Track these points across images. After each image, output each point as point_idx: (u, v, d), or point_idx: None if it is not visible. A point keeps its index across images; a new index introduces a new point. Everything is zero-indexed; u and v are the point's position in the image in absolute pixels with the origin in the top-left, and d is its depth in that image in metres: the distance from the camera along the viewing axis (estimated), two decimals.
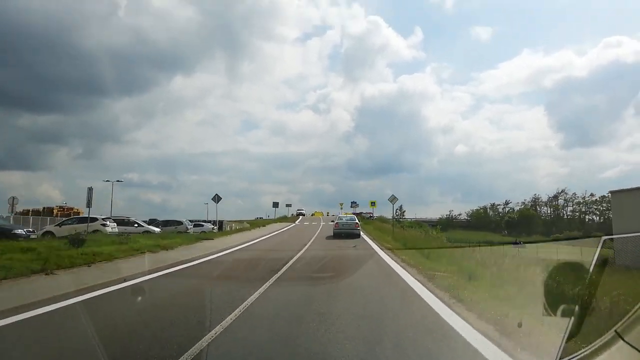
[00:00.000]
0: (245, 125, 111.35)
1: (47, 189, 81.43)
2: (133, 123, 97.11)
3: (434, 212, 70.92)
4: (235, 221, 48.14)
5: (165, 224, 25.92)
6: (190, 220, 29.36)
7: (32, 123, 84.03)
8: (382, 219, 38.72)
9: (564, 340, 2.05)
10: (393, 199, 22.54)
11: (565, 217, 71.45)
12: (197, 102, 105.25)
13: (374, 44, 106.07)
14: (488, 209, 78.95)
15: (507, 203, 77.93)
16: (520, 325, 3.30)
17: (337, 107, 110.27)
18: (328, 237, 19.49)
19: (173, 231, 22.93)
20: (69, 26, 71.84)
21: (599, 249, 2.08)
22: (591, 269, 2.18)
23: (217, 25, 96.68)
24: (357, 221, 21.67)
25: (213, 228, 28.13)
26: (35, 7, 68.51)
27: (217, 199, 23.82)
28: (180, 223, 26.02)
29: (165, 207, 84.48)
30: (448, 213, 78.06)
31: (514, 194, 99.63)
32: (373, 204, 37.42)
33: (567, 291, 2.88)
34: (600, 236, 2.12)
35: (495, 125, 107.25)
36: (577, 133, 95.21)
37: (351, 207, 58.25)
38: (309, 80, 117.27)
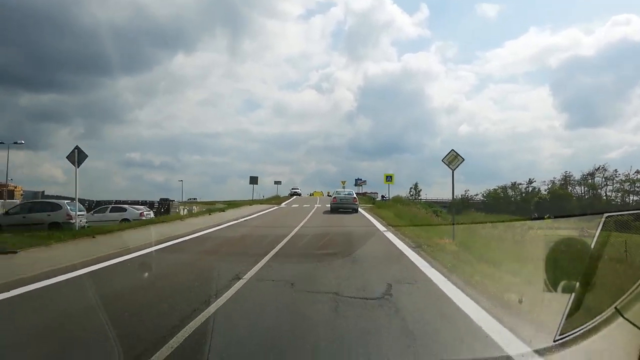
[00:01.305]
0: (247, 105, 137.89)
1: (49, 169, 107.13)
2: (135, 102, 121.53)
3: (435, 193, 77.76)
4: (200, 202, 48.52)
5: (31, 208, 20.70)
6: (81, 204, 22.72)
7: (33, 102, 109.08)
8: (401, 201, 35.85)
9: (565, 316, 2.74)
10: (454, 159, 13.51)
11: (605, 197, 75.69)
12: (199, 81, 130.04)
13: (378, 21, 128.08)
14: (508, 189, 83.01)
15: (530, 182, 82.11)
16: (521, 301, 4.06)
17: (340, 86, 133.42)
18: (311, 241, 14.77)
19: (43, 221, 18.26)
20: (69, 2, 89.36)
21: (600, 226, 2.74)
22: (593, 245, 2.87)
23: (218, 1, 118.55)
24: (355, 196, 27.39)
25: (142, 213, 25.28)
26: None
27: (76, 157, 15.55)
28: (57, 207, 19.45)
29: (168, 187, 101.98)
30: (463, 193, 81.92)
31: (517, 175, 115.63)
32: (389, 178, 33.45)
33: (568, 267, 3.62)
34: (602, 213, 2.79)
35: (500, 105, 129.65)
36: (582, 113, 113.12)
37: (355, 185, 60.11)
38: (312, 59, 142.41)
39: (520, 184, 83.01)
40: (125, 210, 25.65)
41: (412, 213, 24.05)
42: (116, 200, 35.44)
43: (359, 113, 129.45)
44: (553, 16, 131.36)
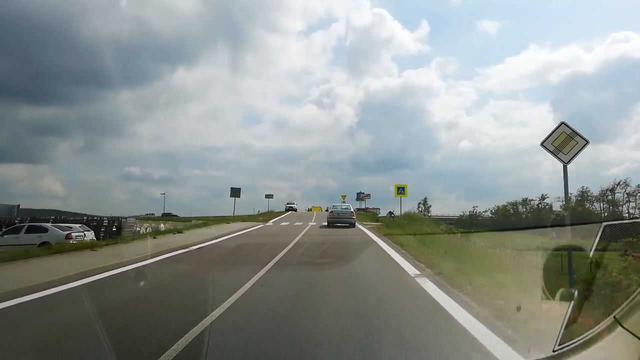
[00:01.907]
0: (247, 119, 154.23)
1: (49, 182, 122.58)
2: (135, 116, 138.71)
3: (436, 210, 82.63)
4: (176, 219, 48.17)
5: None
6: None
7: (34, 115, 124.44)
8: (416, 219, 30.95)
9: (563, 326, 3.08)
10: (568, 141, 10.66)
11: (627, 214, 77.17)
12: (200, 95, 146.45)
13: (379, 37, 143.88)
14: (519, 205, 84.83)
15: (543, 198, 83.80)
16: (519, 309, 4.43)
17: (340, 101, 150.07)
18: None
19: None
20: (71, 17, 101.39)
21: (599, 235, 3.11)
22: (591, 255, 3.25)
23: (220, 17, 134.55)
24: (352, 210, 30.30)
25: (69, 235, 22.17)
26: None
27: None
28: None
29: (166, 201, 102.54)
30: (471, 209, 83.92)
31: (519, 191, 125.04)
32: (401, 190, 31.84)
33: (566, 276, 4.02)
34: (601, 222, 3.18)
35: (500, 121, 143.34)
36: (583, 130, 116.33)
37: (357, 199, 62.09)
38: (312, 74, 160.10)
39: (532, 199, 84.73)
40: (45, 230, 22.77)
41: (442, 239, 17.84)
42: (56, 218, 33.47)
43: (359, 128, 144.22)
44: (553, 33, 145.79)
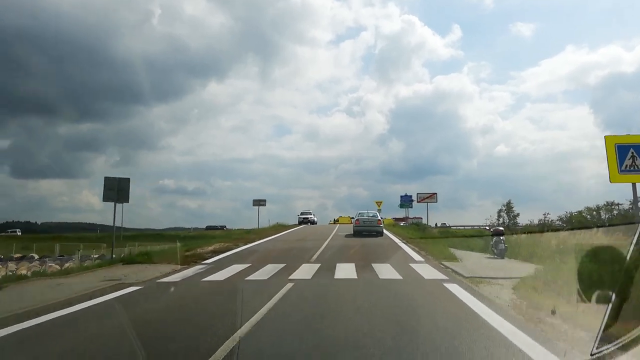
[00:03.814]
0: (277, 130, 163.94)
1: (87, 196, 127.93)
2: (168, 130, 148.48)
3: (472, 218, 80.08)
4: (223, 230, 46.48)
5: None
6: None
7: (72, 131, 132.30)
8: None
9: (601, 329, 3.04)
10: None
11: None
12: (230, 107, 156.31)
13: (409, 44, 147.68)
14: (601, 211, 79.88)
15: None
16: (554, 312, 4.37)
17: (371, 109, 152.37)
18: None
19: None
20: (106, 35, 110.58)
21: (637, 235, 3.06)
22: (629, 255, 3.20)
23: (249, 30, 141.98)
24: (379, 218, 29.55)
25: None
26: (73, 17, 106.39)
27: None
28: None
29: (201, 213, 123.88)
30: (541, 218, 78.71)
31: (558, 196, 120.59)
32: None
33: (603, 277, 3.95)
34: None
35: (537, 125, 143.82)
36: (626, 131, 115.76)
37: (402, 206, 49.65)
38: (342, 83, 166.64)
39: (620, 203, 79.46)
40: None
41: None
42: None
43: (391, 136, 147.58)
44: (590, 33, 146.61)
